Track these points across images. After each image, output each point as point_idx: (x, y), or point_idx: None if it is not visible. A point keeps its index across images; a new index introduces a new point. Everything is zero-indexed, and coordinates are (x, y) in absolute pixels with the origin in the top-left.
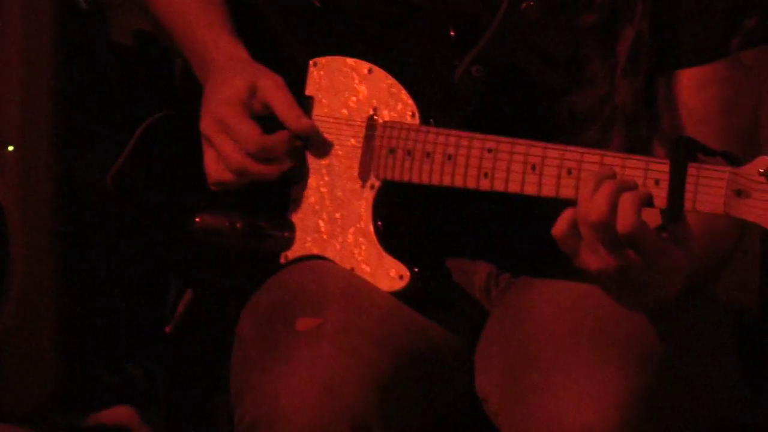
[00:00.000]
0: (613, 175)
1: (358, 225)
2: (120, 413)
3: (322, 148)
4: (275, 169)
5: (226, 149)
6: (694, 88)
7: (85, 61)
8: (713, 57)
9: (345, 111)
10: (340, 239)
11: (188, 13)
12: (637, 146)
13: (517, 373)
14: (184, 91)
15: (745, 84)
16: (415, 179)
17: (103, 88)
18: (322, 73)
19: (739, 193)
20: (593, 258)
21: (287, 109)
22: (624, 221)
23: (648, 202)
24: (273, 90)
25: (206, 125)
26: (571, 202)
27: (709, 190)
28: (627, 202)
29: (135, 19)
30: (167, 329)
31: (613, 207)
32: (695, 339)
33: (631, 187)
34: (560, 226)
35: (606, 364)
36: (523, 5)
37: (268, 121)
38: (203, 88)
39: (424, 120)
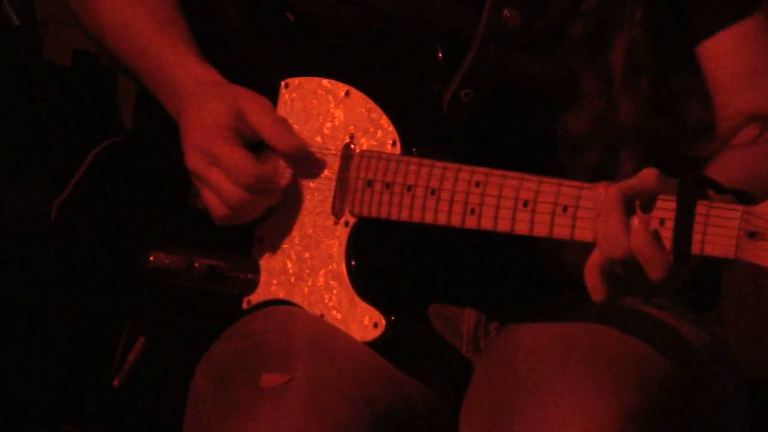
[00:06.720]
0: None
1: (329, 266)
2: None
3: (292, 180)
4: (273, 200)
5: (220, 185)
6: (733, 48)
7: (17, 83)
8: (743, 13)
9: (318, 138)
10: (309, 282)
11: (144, 34)
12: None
13: (502, 403)
14: (141, 114)
15: None
16: (394, 216)
17: (39, 111)
18: (294, 95)
19: (753, 235)
20: (655, 271)
21: (273, 127)
22: (654, 273)
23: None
24: (258, 112)
25: (193, 160)
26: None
27: (719, 231)
28: (644, 245)
29: (74, 37)
30: (115, 382)
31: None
32: (705, 374)
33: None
34: (598, 291)
35: (599, 378)
36: (505, 12)
37: (255, 148)
38: (178, 118)
39: (406, 149)
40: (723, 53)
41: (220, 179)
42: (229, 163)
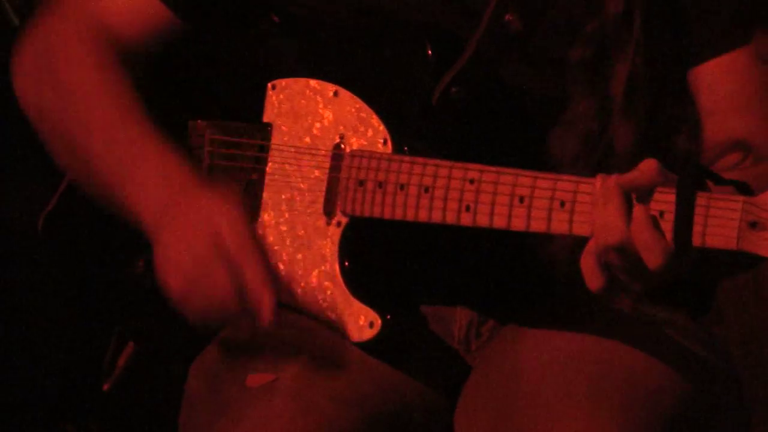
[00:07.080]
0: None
1: (322, 267)
2: None
3: (282, 180)
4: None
5: (219, 282)
6: (727, 75)
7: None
8: (738, 44)
9: (308, 139)
10: (302, 283)
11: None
12: None
13: (504, 419)
14: None
15: None
16: (387, 215)
17: None
18: (281, 96)
19: (754, 225)
20: (654, 257)
21: (266, 270)
22: (652, 260)
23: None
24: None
25: (199, 239)
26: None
27: (720, 222)
28: (647, 234)
29: None
30: (105, 387)
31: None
32: (708, 408)
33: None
34: (594, 279)
35: (603, 428)
36: (507, 16)
37: None
38: (183, 193)
39: (398, 148)
40: (717, 79)
41: (222, 274)
42: (248, 256)
